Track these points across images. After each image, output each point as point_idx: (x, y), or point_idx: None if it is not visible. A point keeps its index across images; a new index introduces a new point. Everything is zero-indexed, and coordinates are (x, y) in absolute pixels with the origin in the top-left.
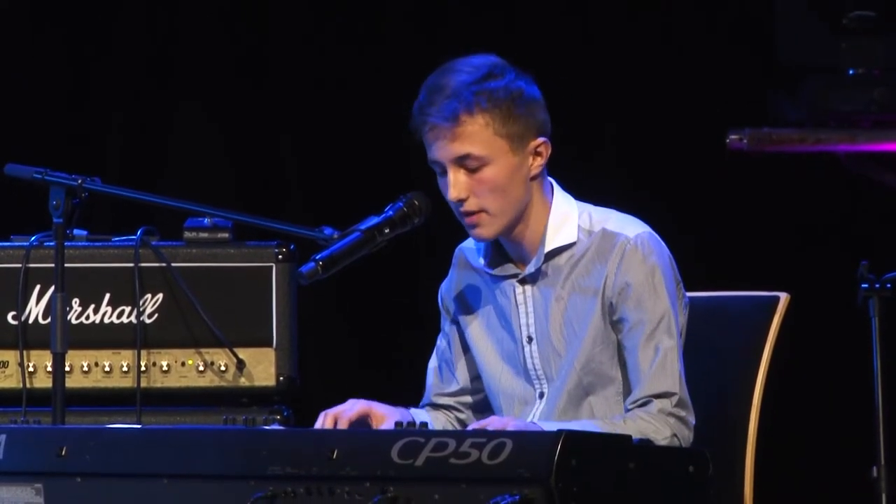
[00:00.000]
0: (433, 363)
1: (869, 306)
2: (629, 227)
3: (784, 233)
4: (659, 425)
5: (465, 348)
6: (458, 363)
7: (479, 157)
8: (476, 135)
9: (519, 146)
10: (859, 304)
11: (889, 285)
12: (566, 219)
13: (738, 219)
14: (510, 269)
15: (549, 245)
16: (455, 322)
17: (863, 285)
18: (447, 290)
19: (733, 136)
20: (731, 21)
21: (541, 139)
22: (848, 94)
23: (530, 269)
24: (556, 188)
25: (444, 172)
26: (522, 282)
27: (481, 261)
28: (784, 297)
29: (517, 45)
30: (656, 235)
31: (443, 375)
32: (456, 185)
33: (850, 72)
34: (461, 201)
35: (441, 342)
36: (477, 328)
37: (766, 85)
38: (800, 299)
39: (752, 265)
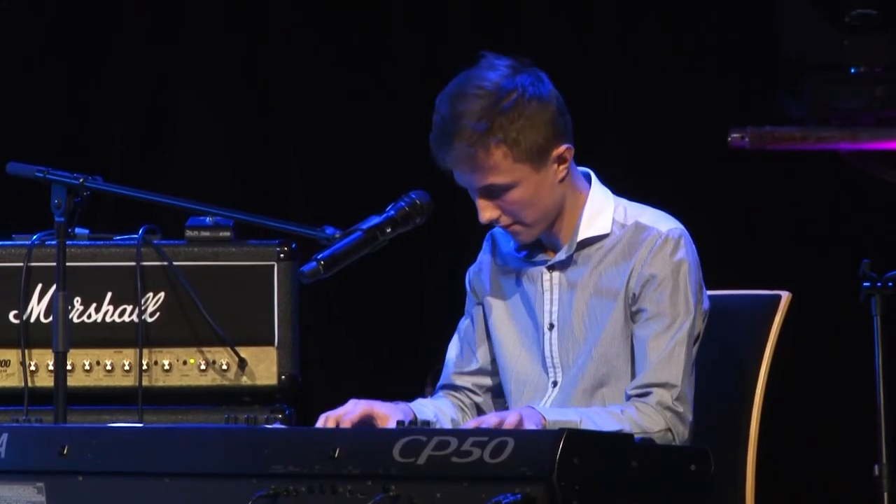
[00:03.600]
0: (453, 344)
1: (871, 304)
2: (663, 222)
3: (786, 231)
4: (654, 416)
5: (488, 331)
6: (480, 343)
7: (504, 185)
8: (497, 167)
9: (541, 161)
10: (861, 303)
11: (891, 283)
12: (601, 210)
13: (739, 217)
14: (541, 255)
15: (583, 234)
16: (480, 305)
17: (864, 283)
18: (475, 273)
19: (735, 134)
20: (734, 18)
21: (563, 147)
22: (850, 91)
23: (561, 256)
24: (595, 180)
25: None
26: (551, 268)
27: (512, 245)
28: (786, 296)
29: (519, 43)
30: (689, 236)
31: (463, 354)
32: (485, 209)
33: (853, 69)
34: (494, 222)
35: (464, 322)
36: (502, 313)
37: (768, 82)
38: (802, 298)
39: (753, 263)
